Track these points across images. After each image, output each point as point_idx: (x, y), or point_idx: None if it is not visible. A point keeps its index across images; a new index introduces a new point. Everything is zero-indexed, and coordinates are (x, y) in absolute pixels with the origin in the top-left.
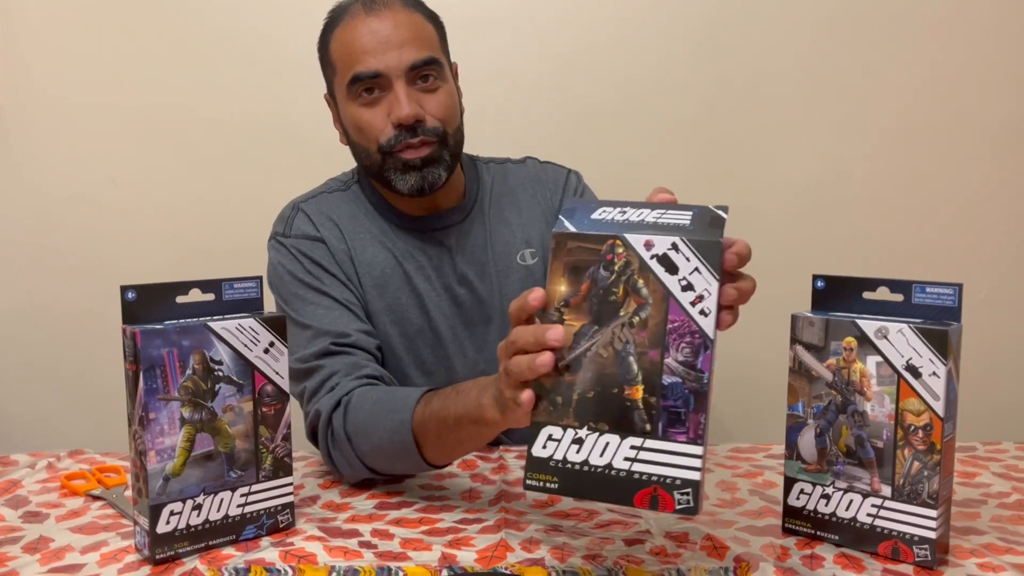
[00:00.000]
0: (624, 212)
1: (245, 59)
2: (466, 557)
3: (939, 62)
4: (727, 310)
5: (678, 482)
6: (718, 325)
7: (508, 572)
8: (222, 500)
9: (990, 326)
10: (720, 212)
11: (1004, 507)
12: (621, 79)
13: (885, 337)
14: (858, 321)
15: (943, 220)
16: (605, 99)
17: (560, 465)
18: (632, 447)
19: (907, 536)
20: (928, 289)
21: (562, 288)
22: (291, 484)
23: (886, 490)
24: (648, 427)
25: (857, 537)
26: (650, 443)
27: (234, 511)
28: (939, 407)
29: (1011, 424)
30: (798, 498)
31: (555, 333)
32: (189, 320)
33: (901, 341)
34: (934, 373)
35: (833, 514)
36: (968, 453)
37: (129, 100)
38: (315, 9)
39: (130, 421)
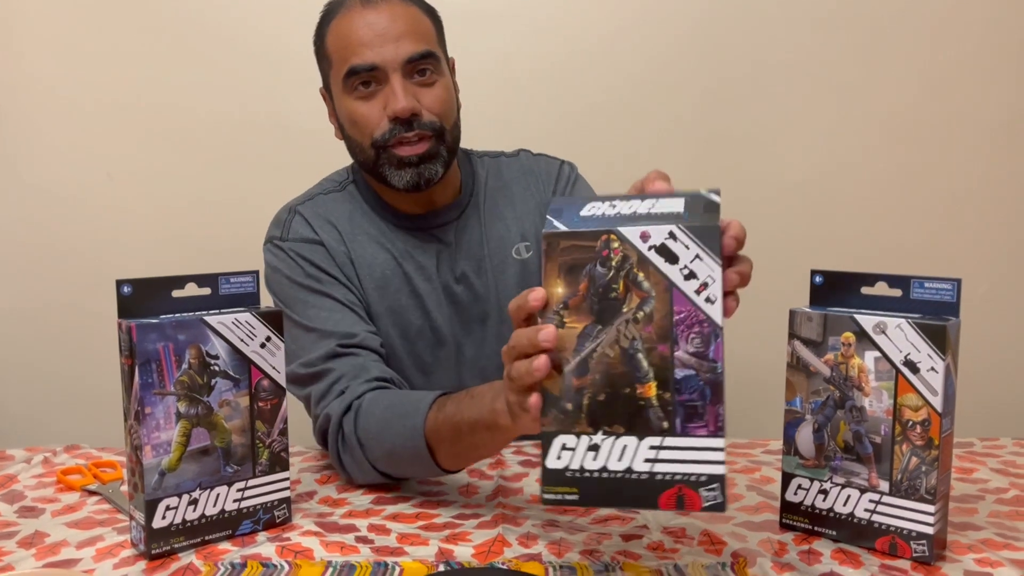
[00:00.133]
0: (614, 205)
1: (242, 55)
2: (463, 552)
3: (938, 58)
4: (730, 295)
5: (703, 478)
6: (724, 312)
7: (505, 567)
8: (218, 495)
9: (988, 323)
10: (712, 196)
11: (1002, 503)
12: (619, 75)
13: (883, 332)
14: (856, 316)
15: (942, 216)
16: (603, 95)
17: (578, 475)
18: (651, 447)
19: (905, 532)
20: (927, 284)
21: (559, 290)
22: (288, 479)
23: (884, 485)
24: (666, 425)
25: (855, 532)
26: (670, 441)
27: (230, 506)
28: (937, 402)
29: (1009, 420)
30: (796, 493)
31: (546, 334)
32: (185, 314)
33: (899, 336)
34: (932, 368)
35: (831, 509)
36: (966, 449)
37: (126, 96)
38: (313, 4)
39: (126, 416)
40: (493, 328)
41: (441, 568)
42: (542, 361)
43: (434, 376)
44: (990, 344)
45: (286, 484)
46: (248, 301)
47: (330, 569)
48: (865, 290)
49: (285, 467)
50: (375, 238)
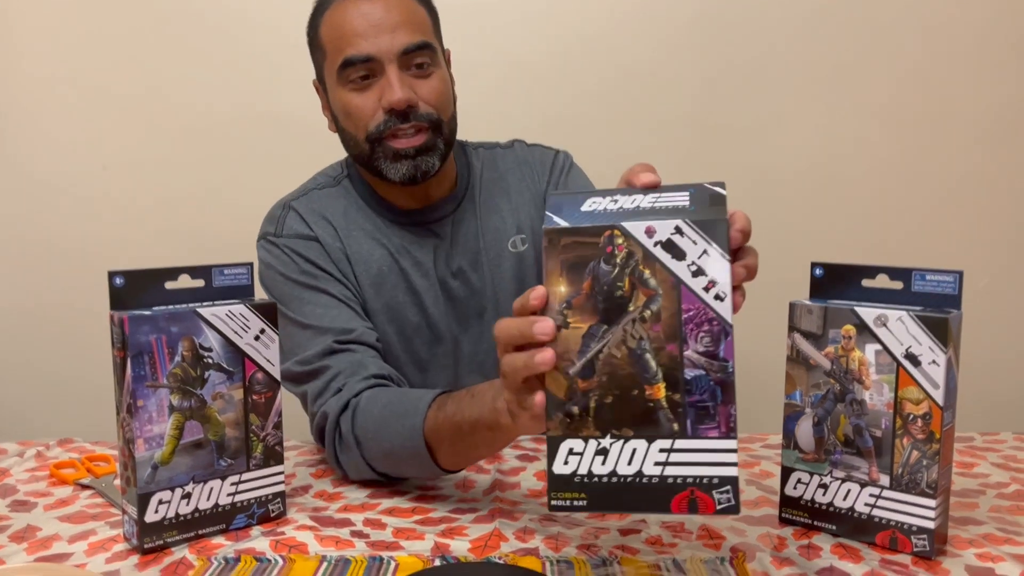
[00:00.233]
0: (616, 200)
1: (237, 47)
2: (459, 547)
3: (938, 48)
4: (736, 290)
5: (716, 481)
6: (733, 307)
7: (502, 562)
8: (212, 489)
9: (989, 316)
10: (718, 189)
11: (1003, 497)
12: (616, 66)
13: (884, 325)
14: (857, 309)
15: (943, 209)
16: (600, 86)
17: (586, 480)
18: (661, 450)
19: (905, 526)
20: (928, 276)
21: (562, 289)
22: (282, 473)
23: (884, 479)
24: (676, 427)
25: (855, 527)
26: (680, 443)
27: (224, 500)
28: (938, 396)
29: (1009, 415)
30: (795, 488)
31: (543, 326)
32: (178, 306)
33: (900, 329)
34: (934, 361)
35: (831, 504)
36: (966, 443)
37: (121, 89)
38: None
39: (118, 409)
40: (490, 323)
41: (437, 563)
42: (547, 355)
43: (431, 373)
44: (990, 339)
45: (280, 478)
46: (242, 293)
47: (324, 564)
48: (866, 282)
49: (279, 461)
50: (371, 234)
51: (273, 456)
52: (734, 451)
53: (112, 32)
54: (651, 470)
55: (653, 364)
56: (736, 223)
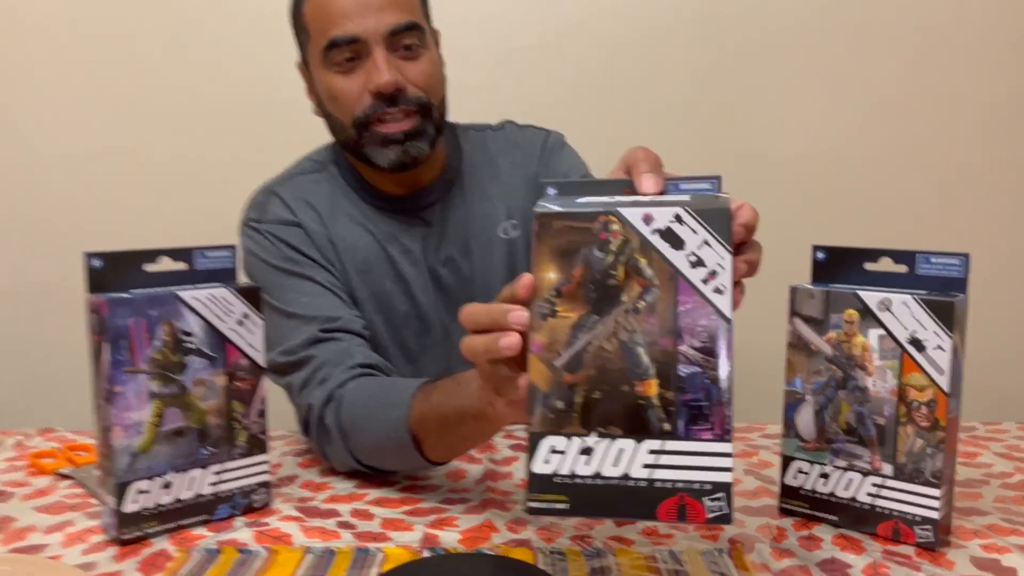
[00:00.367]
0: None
1: (221, 28)
2: (449, 538)
3: (943, 32)
4: (735, 286)
5: (708, 487)
6: (733, 303)
7: (493, 553)
8: (193, 478)
9: (992, 303)
10: (722, 198)
11: (1007, 487)
12: (614, 48)
13: (888, 309)
14: (860, 293)
15: (948, 194)
16: (597, 68)
17: (568, 481)
18: (651, 451)
19: (909, 516)
20: (933, 259)
21: (551, 275)
22: (267, 462)
23: (887, 469)
24: (667, 427)
25: (856, 517)
26: (671, 445)
27: (206, 490)
28: (944, 382)
29: (1012, 405)
30: (795, 477)
31: (518, 316)
32: (157, 289)
33: (905, 313)
34: (939, 346)
35: (832, 494)
36: (969, 433)
37: (104, 73)
38: None
39: (95, 396)
40: None
41: (425, 554)
42: (513, 340)
43: (421, 363)
44: (993, 327)
45: (265, 467)
46: (225, 276)
47: (309, 555)
48: (869, 266)
49: (264, 450)
50: (357, 220)
51: (257, 445)
52: (729, 455)
53: (93, 15)
54: (638, 472)
55: (645, 359)
56: (740, 216)
